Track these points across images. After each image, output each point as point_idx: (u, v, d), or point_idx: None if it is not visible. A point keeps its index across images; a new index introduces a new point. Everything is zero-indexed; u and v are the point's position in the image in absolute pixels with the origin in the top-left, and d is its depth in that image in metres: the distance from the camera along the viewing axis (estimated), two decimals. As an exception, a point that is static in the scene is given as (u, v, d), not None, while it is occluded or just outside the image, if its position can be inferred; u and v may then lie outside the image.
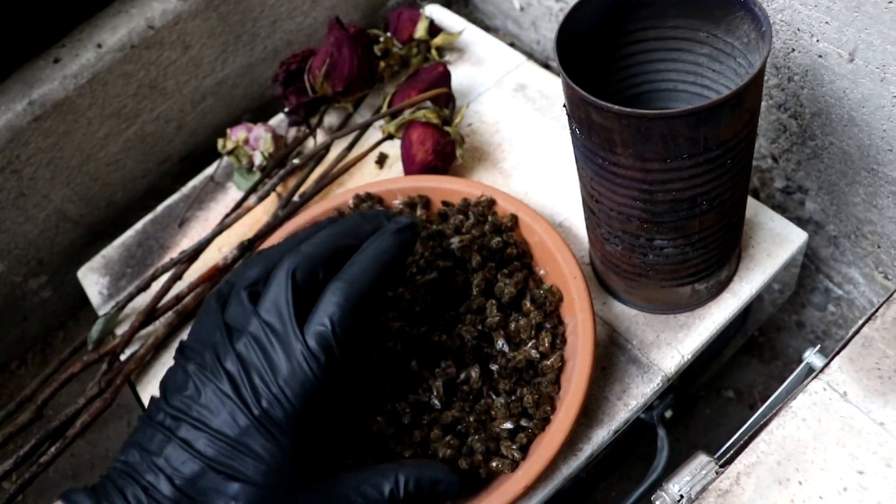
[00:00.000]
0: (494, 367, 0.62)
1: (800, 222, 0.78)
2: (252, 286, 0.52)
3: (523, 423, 0.59)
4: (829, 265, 0.82)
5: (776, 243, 0.68)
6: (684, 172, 0.51)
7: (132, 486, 0.46)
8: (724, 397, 0.94)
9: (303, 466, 0.48)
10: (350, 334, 0.50)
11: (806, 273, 0.86)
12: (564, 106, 0.54)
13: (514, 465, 0.58)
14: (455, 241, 0.67)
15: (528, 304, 0.63)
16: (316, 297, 0.50)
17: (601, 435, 0.62)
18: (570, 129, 0.55)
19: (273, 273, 0.51)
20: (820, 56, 0.63)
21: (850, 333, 0.49)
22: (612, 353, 0.65)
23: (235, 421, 0.47)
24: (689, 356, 0.64)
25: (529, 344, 0.62)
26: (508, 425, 0.59)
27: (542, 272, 0.68)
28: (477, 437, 0.59)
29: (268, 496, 0.47)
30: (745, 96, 0.48)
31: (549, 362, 0.61)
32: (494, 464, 0.58)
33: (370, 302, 0.52)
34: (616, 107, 0.47)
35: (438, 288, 0.66)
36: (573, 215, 0.74)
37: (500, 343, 0.62)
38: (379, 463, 0.55)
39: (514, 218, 0.68)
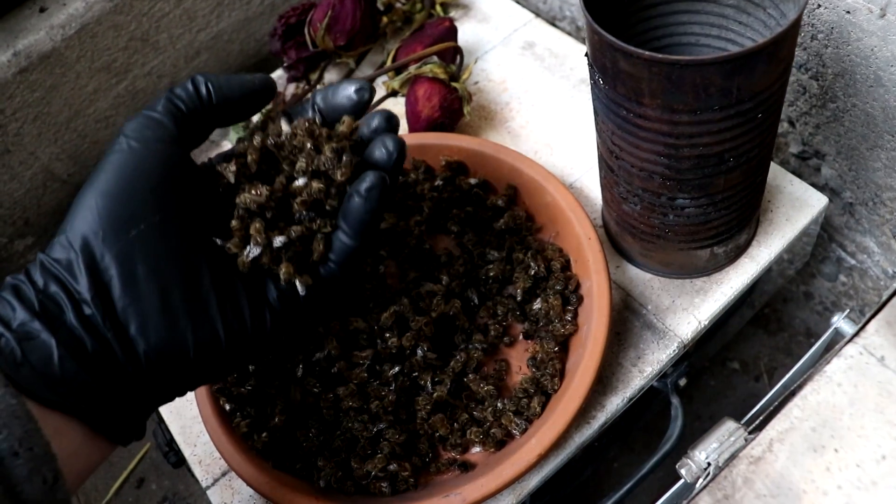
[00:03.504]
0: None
1: (814, 189, 0.75)
2: None
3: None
4: (843, 234, 0.80)
5: (796, 208, 0.66)
6: (714, 126, 0.48)
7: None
8: (730, 368, 0.92)
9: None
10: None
11: (818, 241, 0.84)
12: (587, 55, 0.51)
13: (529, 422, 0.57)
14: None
15: (521, 266, 0.62)
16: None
17: (615, 402, 0.59)
18: (592, 79, 0.52)
19: None
20: (848, 12, 0.60)
21: (887, 295, 0.46)
22: (626, 318, 0.63)
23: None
24: (706, 322, 0.62)
25: (537, 303, 0.61)
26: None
27: (552, 235, 0.65)
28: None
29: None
30: (782, 45, 0.45)
31: (560, 323, 0.59)
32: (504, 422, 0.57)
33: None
34: (647, 52, 0.44)
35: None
36: (584, 176, 0.72)
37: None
38: None
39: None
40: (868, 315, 0.46)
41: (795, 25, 0.45)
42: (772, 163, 0.68)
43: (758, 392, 0.89)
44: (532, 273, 0.61)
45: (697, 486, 0.46)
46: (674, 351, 0.61)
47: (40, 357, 0.40)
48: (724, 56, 0.43)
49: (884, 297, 0.47)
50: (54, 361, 0.40)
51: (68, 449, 0.40)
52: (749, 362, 0.92)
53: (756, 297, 0.87)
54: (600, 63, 0.49)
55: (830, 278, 0.87)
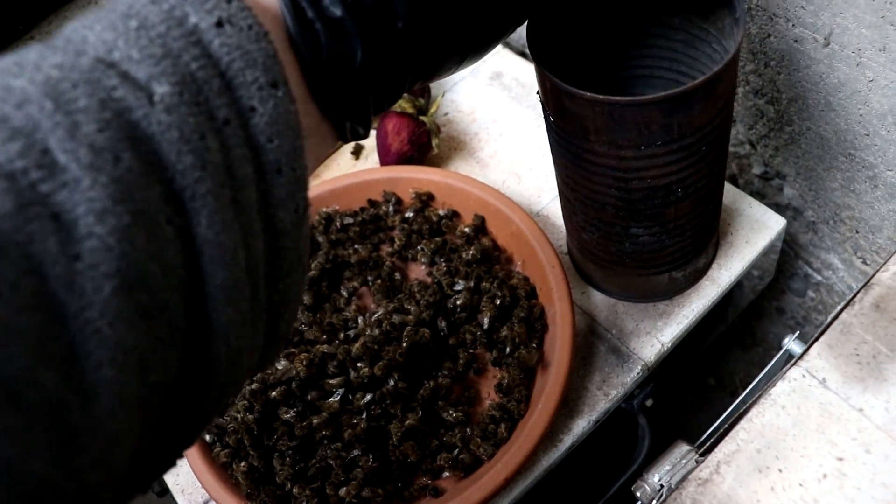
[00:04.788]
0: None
1: (778, 208, 0.77)
2: None
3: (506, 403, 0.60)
4: (809, 251, 0.82)
5: (755, 230, 0.68)
6: (658, 160, 0.50)
7: None
8: (705, 384, 0.94)
9: None
10: None
11: (785, 259, 0.86)
12: (538, 94, 0.53)
13: (497, 446, 0.58)
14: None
15: (488, 295, 0.64)
16: None
17: (581, 425, 0.61)
18: (545, 116, 0.54)
19: None
20: (796, 41, 0.62)
21: (829, 319, 0.48)
22: (591, 343, 0.65)
23: None
24: (669, 344, 0.64)
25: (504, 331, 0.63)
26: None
27: (519, 263, 0.67)
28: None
29: None
30: (718, 83, 0.47)
31: (525, 350, 0.61)
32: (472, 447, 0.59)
33: None
34: (588, 94, 0.46)
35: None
36: (551, 204, 0.74)
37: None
38: None
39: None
40: (811, 339, 0.48)
41: (730, 65, 0.47)
42: (732, 186, 0.70)
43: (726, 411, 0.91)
44: (498, 302, 0.63)
45: (651, 507, 0.48)
46: (638, 374, 0.63)
47: (344, 59, 0.32)
48: (662, 96, 0.45)
49: (826, 322, 0.49)
50: (356, 63, 0.32)
51: (312, 164, 0.34)
52: (724, 378, 0.94)
53: (728, 313, 0.89)
54: (549, 102, 0.51)
55: (800, 294, 0.89)
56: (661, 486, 0.48)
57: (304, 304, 0.67)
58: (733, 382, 0.93)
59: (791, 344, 0.56)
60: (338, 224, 0.72)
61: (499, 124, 0.81)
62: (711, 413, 0.91)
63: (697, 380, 0.94)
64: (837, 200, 0.72)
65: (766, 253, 0.68)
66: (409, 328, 0.63)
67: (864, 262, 0.75)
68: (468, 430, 0.60)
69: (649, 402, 0.67)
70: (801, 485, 0.44)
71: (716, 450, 0.46)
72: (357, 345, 0.62)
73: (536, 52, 0.49)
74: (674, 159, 0.50)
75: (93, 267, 0.23)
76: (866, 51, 0.57)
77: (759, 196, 0.81)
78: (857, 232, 0.73)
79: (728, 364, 0.94)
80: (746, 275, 0.69)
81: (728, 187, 0.69)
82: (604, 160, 0.51)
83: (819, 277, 0.84)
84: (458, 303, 0.64)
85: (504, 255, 0.68)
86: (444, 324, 0.64)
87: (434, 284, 0.66)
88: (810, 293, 0.88)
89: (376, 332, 0.63)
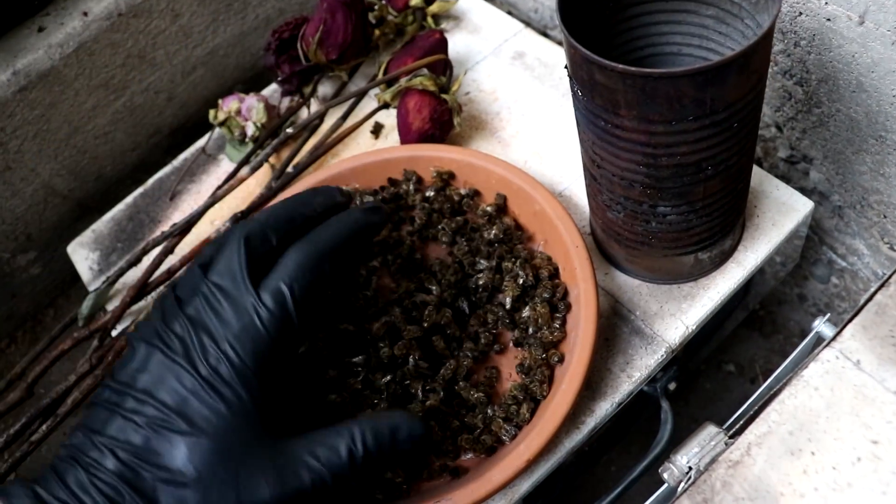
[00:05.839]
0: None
1: (804, 192, 0.76)
2: (205, 262, 0.49)
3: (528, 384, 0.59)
4: (833, 236, 0.81)
5: (782, 212, 0.67)
6: (689, 136, 0.49)
7: (74, 469, 0.43)
8: (725, 371, 0.93)
9: (254, 427, 0.45)
10: (308, 294, 0.48)
11: (809, 244, 0.85)
12: (566, 67, 0.52)
13: (519, 428, 0.57)
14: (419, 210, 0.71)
15: (510, 275, 0.63)
16: (271, 263, 0.49)
17: (604, 407, 0.60)
18: (572, 91, 0.53)
19: (223, 241, 0.49)
20: (828, 19, 0.61)
21: (863, 300, 0.47)
22: (614, 324, 0.64)
23: (182, 384, 0.44)
24: (694, 327, 0.63)
25: (526, 311, 0.62)
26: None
27: (541, 243, 0.66)
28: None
29: (215, 458, 0.44)
30: (753, 56, 0.46)
31: (547, 331, 0.60)
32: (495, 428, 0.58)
33: (332, 265, 0.50)
34: (620, 66, 0.45)
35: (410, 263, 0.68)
36: (573, 184, 0.73)
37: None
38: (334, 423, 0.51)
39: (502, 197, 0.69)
40: (845, 320, 0.47)
41: (766, 38, 0.46)
42: (758, 168, 0.69)
43: (753, 395, 0.90)
44: (521, 282, 0.62)
45: (679, 490, 0.47)
46: (662, 356, 0.62)
47: None
48: (696, 68, 0.44)
49: (860, 302, 0.48)
50: None
51: None
52: (744, 365, 0.93)
53: (749, 299, 0.88)
54: (578, 75, 0.50)
55: (823, 280, 0.88)
56: (690, 468, 0.47)
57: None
58: (753, 369, 0.92)
59: (821, 326, 0.55)
60: (357, 203, 0.71)
61: (521, 104, 0.80)
62: (731, 400, 0.90)
63: (716, 366, 0.93)
64: (866, 184, 0.71)
65: (791, 237, 0.67)
66: (430, 308, 0.62)
67: (892, 248, 0.74)
68: (489, 410, 0.59)
69: (672, 386, 0.66)
70: (834, 468, 0.43)
71: (746, 431, 0.45)
72: (377, 324, 0.61)
73: (568, 24, 0.48)
74: (705, 135, 0.49)
75: None
76: (903, 28, 0.56)
77: (785, 180, 0.79)
78: (885, 217, 0.72)
79: (748, 351, 0.93)
80: (769, 261, 0.68)
81: (755, 169, 0.68)
82: (633, 135, 0.50)
83: (843, 263, 0.83)
84: (480, 282, 0.64)
85: (526, 234, 0.67)
86: (465, 304, 0.64)
87: (455, 264, 0.65)
88: (834, 280, 0.87)
89: (397, 311, 0.62)
